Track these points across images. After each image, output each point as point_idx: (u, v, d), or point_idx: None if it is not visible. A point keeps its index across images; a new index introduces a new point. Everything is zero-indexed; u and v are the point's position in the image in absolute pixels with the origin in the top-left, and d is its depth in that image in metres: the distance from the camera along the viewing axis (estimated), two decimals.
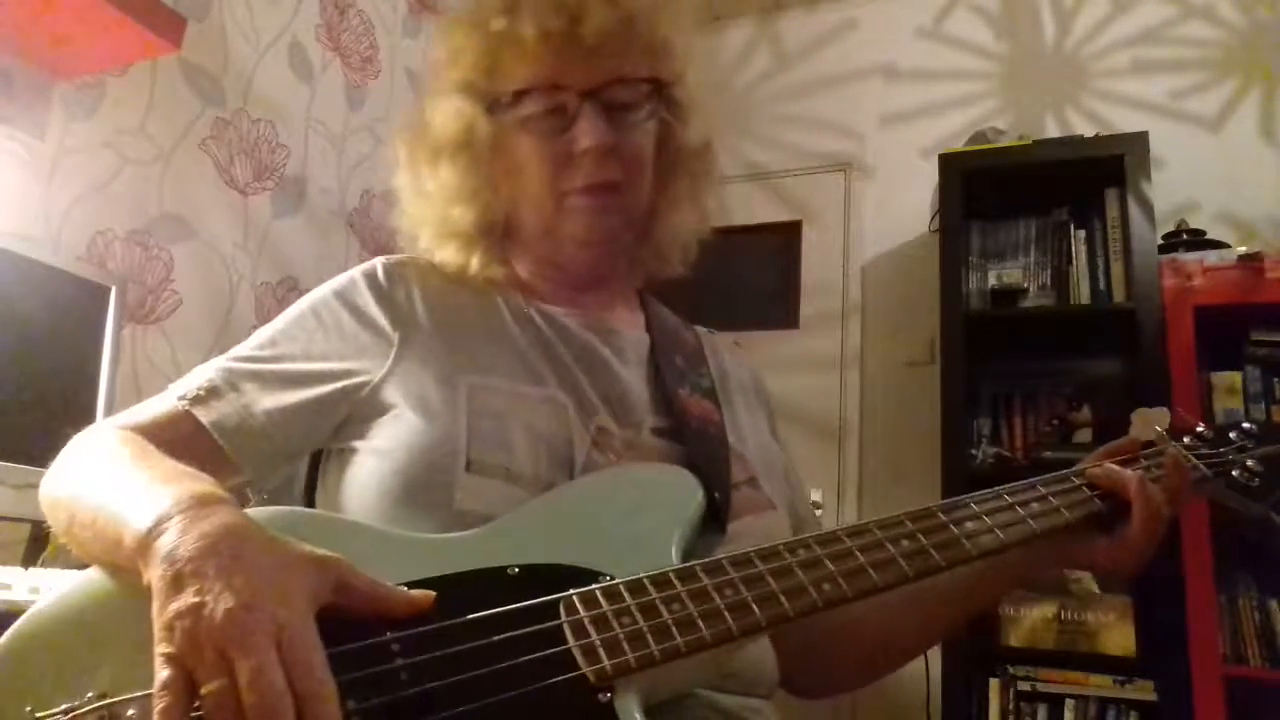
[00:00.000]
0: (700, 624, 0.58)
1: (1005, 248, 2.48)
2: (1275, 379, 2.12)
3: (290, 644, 0.48)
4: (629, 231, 0.88)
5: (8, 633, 0.55)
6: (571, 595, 0.59)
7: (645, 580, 0.60)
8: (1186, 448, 0.85)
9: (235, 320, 1.83)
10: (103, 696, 0.49)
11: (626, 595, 0.59)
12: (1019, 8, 2.86)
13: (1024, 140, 2.51)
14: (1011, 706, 2.11)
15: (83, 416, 1.30)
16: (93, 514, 0.62)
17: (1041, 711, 2.10)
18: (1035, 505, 0.75)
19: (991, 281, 2.42)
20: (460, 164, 0.86)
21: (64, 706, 0.49)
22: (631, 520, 0.69)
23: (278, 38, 1.99)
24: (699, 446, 0.80)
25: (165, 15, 1.44)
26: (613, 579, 0.61)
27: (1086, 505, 0.77)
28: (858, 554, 0.65)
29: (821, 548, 0.65)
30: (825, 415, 2.72)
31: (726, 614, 0.59)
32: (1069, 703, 2.07)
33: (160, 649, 0.48)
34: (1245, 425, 0.88)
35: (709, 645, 0.58)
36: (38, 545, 1.26)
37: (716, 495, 0.75)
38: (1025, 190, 2.47)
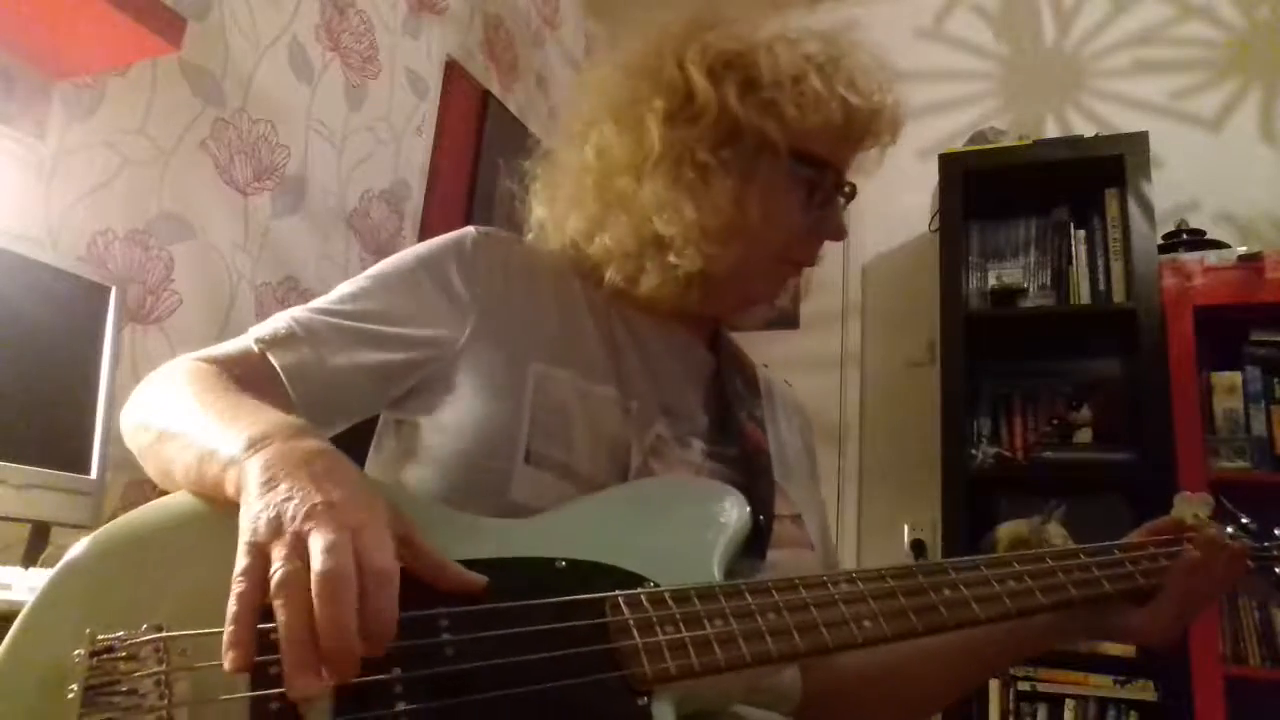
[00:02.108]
0: (741, 643, 0.59)
1: (1005, 248, 2.48)
2: (1275, 379, 2.12)
3: (364, 534, 0.49)
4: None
5: (82, 544, 0.55)
6: (618, 596, 0.59)
7: (691, 592, 0.61)
8: (1230, 536, 0.86)
9: (235, 320, 1.83)
10: (158, 629, 0.49)
11: (672, 604, 0.59)
12: (1019, 8, 2.86)
13: (1024, 140, 2.51)
14: (1011, 706, 2.11)
15: (83, 416, 1.30)
16: (184, 431, 0.63)
17: (1041, 711, 2.10)
18: (1078, 573, 0.77)
19: (991, 281, 2.42)
20: (718, 175, 0.80)
21: (121, 634, 0.49)
22: (679, 531, 0.70)
23: (278, 38, 1.99)
24: (749, 472, 0.81)
25: (165, 15, 1.44)
26: (656, 585, 0.61)
27: (1128, 580, 0.79)
28: (900, 596, 0.66)
29: (865, 584, 0.66)
30: (825, 415, 2.72)
31: (768, 637, 0.60)
32: (1069, 703, 2.08)
33: (244, 539, 0.50)
34: None
35: (748, 664, 0.58)
36: (38, 545, 1.26)
37: (761, 520, 0.76)
38: (1025, 190, 2.47)
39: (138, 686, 0.47)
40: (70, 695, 0.46)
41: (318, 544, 0.48)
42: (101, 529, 0.57)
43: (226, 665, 0.45)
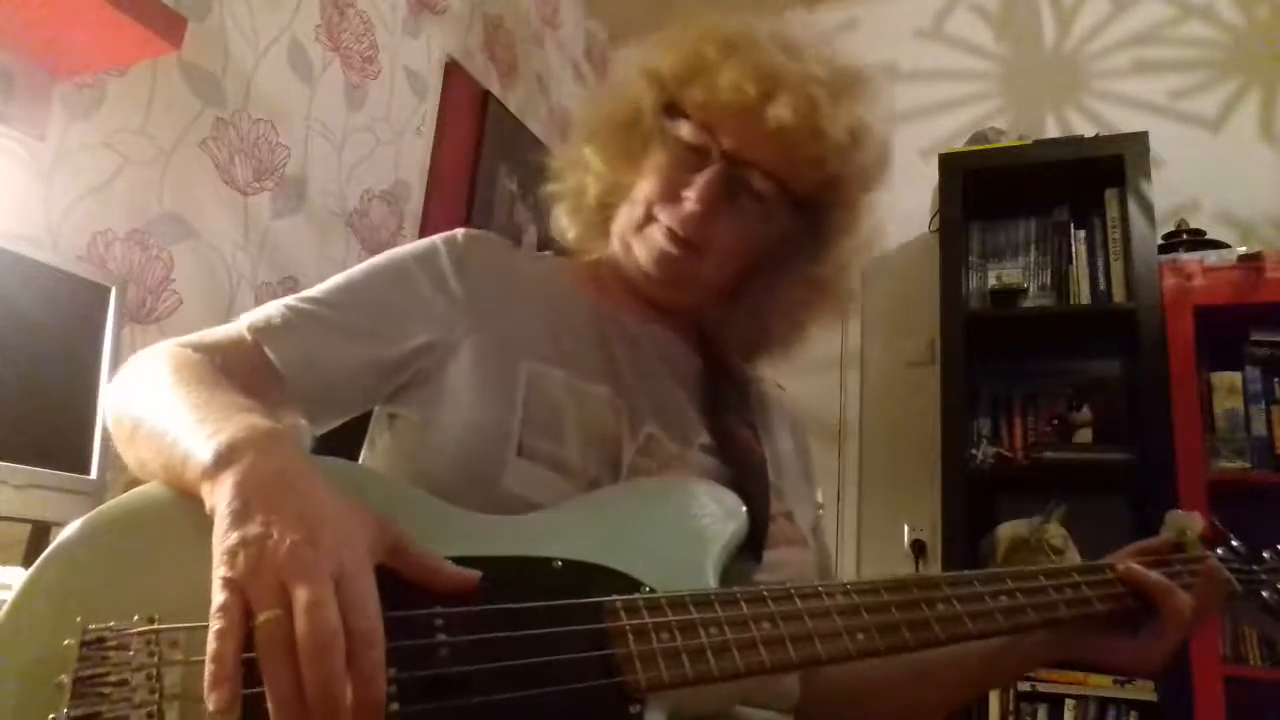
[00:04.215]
0: (735, 652, 0.58)
1: (1005, 248, 2.48)
2: (1275, 379, 2.12)
3: (348, 586, 0.48)
4: (691, 292, 0.87)
5: (69, 529, 0.54)
6: (615, 601, 0.59)
7: (688, 598, 0.61)
8: (1219, 559, 0.85)
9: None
10: (150, 621, 0.49)
11: (668, 610, 0.59)
12: (1019, 8, 2.87)
13: (1024, 140, 2.51)
14: (1011, 707, 2.11)
15: (83, 416, 1.30)
16: (159, 432, 0.61)
17: (1041, 711, 2.10)
18: (1069, 591, 0.76)
19: (991, 281, 2.42)
20: (611, 141, 0.88)
21: (112, 624, 0.48)
22: (675, 533, 0.70)
23: (278, 38, 1.99)
24: (743, 472, 0.81)
25: (165, 15, 1.44)
26: (651, 589, 0.62)
27: (1117, 600, 0.78)
28: (894, 610, 0.66)
29: (860, 596, 0.66)
30: (825, 415, 2.72)
31: (761, 647, 0.60)
32: (1069, 703, 2.08)
33: (220, 573, 0.48)
34: None
35: (741, 675, 0.58)
36: (38, 545, 1.26)
37: (758, 521, 0.76)
38: (1025, 190, 2.47)
39: (128, 678, 0.47)
40: (60, 684, 0.46)
41: (301, 597, 0.46)
42: (88, 516, 0.55)
43: (210, 705, 0.44)
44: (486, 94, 2.67)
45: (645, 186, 0.85)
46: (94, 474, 1.28)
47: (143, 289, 1.67)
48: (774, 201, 0.83)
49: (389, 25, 2.33)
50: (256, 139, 1.93)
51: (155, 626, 0.49)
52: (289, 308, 0.77)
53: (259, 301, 1.90)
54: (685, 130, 0.83)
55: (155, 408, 0.63)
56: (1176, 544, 0.85)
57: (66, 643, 0.47)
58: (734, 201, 0.82)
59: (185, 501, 0.56)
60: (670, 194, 0.83)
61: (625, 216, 0.87)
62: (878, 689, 0.86)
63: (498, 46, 2.80)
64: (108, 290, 1.38)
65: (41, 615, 0.49)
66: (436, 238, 0.86)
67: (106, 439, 1.32)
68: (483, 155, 2.62)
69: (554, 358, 0.80)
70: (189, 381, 0.64)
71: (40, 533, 1.26)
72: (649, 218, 0.84)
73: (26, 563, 1.22)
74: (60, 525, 1.25)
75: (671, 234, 0.83)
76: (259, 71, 1.94)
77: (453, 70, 2.55)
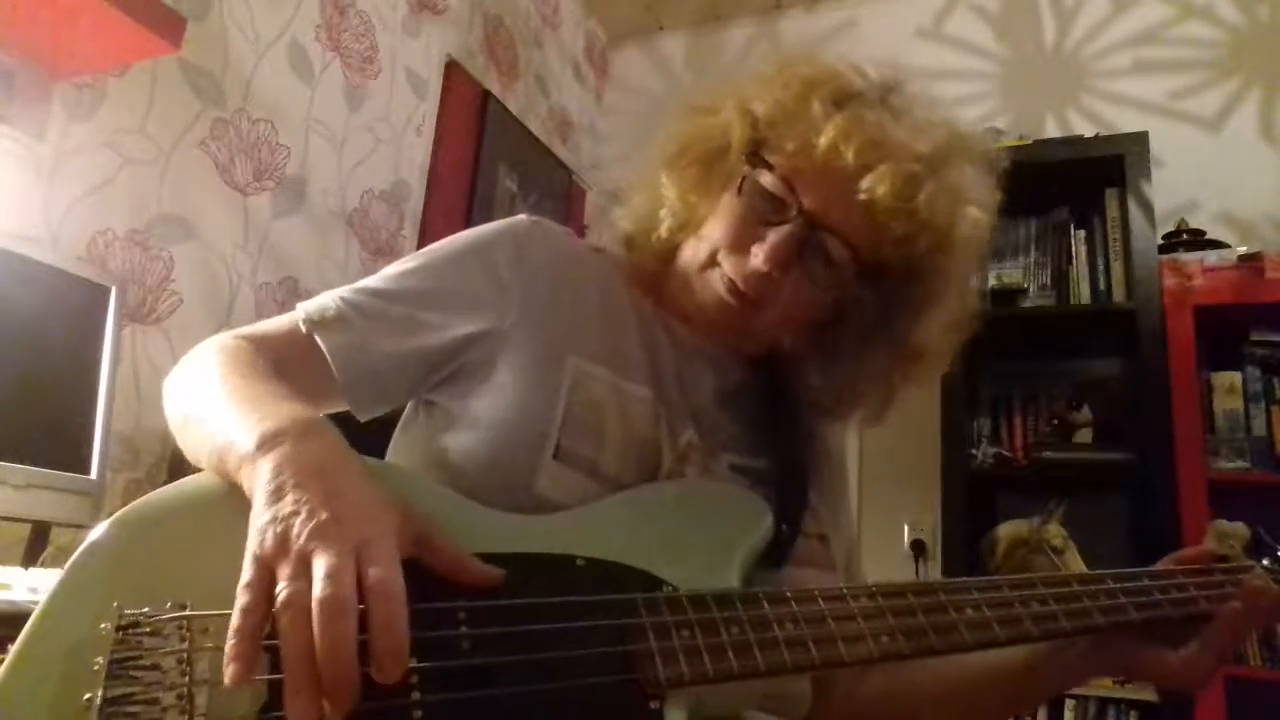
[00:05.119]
0: (756, 651, 0.58)
1: (1005, 248, 2.48)
2: (1275, 379, 2.12)
3: (370, 556, 0.49)
4: (745, 339, 0.85)
5: (108, 521, 0.56)
6: (637, 599, 0.59)
7: (709, 597, 0.60)
8: (1266, 570, 0.81)
9: (235, 321, 1.83)
10: (182, 608, 0.50)
11: (689, 608, 0.59)
12: (1019, 8, 2.87)
13: (1024, 140, 2.51)
14: None
15: (83, 416, 1.30)
16: (205, 417, 0.63)
17: (1041, 711, 2.10)
18: (1104, 598, 0.73)
19: (991, 281, 2.41)
20: (690, 172, 0.84)
21: (146, 610, 0.50)
22: (700, 534, 0.69)
23: (278, 38, 1.99)
24: (780, 484, 0.80)
25: (165, 15, 1.44)
26: (673, 588, 0.62)
27: (1154, 609, 0.74)
28: (920, 614, 0.65)
29: (885, 600, 0.65)
30: None
31: (783, 647, 0.59)
32: (1069, 703, 2.07)
33: (251, 549, 0.50)
34: None
35: (762, 674, 0.58)
36: (38, 545, 1.26)
37: (784, 528, 0.75)
38: (1025, 190, 2.45)
39: (160, 662, 0.48)
40: (96, 666, 0.47)
41: (320, 567, 0.48)
42: (128, 506, 0.57)
43: (227, 679, 0.45)
44: (486, 94, 2.67)
45: (715, 228, 0.81)
46: (94, 474, 1.28)
47: (143, 289, 1.67)
48: (847, 270, 0.78)
49: (389, 25, 2.33)
50: (256, 139, 1.93)
51: (187, 613, 0.50)
52: (344, 299, 0.77)
53: (259, 301, 1.91)
54: (767, 179, 0.78)
55: (203, 399, 0.66)
56: (1219, 555, 0.81)
57: (104, 627, 0.49)
58: (803, 263, 0.78)
59: (224, 492, 0.58)
60: (738, 244, 0.79)
61: (691, 251, 0.83)
62: (897, 708, 0.83)
63: (498, 46, 2.80)
64: (108, 290, 1.38)
65: (82, 600, 0.51)
66: (499, 225, 0.84)
67: (106, 439, 1.32)
68: (483, 155, 2.63)
69: (600, 355, 0.78)
70: (238, 374, 0.67)
71: (40, 533, 1.26)
72: (713, 261, 0.81)
73: (26, 563, 1.22)
74: (60, 525, 1.26)
75: (732, 285, 0.79)
76: (259, 71, 1.94)
77: (453, 70, 2.55)
